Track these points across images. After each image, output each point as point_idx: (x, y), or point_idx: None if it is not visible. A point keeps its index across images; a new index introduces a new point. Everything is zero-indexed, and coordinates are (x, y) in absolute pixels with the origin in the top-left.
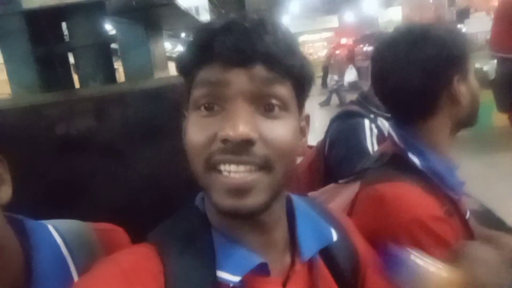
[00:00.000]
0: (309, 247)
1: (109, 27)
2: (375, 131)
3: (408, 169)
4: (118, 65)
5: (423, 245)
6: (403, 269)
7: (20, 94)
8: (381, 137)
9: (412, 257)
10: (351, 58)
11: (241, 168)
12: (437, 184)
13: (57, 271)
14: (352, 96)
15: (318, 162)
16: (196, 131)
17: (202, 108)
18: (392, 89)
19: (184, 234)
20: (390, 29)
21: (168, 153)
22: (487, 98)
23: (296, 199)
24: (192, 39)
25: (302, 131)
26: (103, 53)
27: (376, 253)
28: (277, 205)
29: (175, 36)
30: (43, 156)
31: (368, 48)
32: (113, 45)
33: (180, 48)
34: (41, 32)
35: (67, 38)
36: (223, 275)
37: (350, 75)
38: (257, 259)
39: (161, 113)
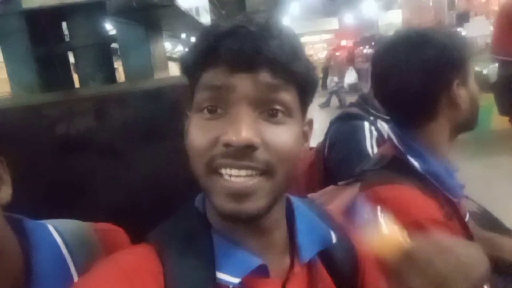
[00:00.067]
0: (308, 249)
1: (109, 27)
2: (374, 134)
3: (407, 171)
4: (118, 65)
5: None
6: (369, 224)
7: (20, 93)
8: (381, 140)
9: (379, 217)
10: (351, 60)
11: (243, 172)
12: (437, 186)
13: (57, 271)
14: (352, 98)
15: (317, 164)
16: (199, 133)
17: (205, 111)
18: (391, 92)
19: (184, 234)
20: (390, 32)
21: (168, 153)
22: (486, 101)
23: (296, 201)
24: (197, 40)
25: (305, 136)
26: (103, 53)
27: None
28: (277, 208)
29: (175, 37)
30: (43, 156)
31: (368, 50)
32: (114, 45)
33: (180, 49)
34: (41, 32)
35: (67, 38)
36: (222, 276)
37: (350, 77)
38: (256, 261)
39: (161, 113)
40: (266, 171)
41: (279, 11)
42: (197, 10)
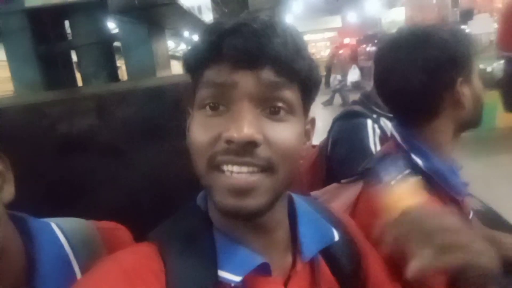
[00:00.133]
0: (310, 247)
1: (112, 26)
2: (377, 131)
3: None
4: (121, 63)
5: None
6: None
7: (23, 92)
8: (384, 137)
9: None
10: (354, 58)
11: (244, 169)
12: (440, 185)
13: (60, 269)
14: (355, 96)
15: (320, 162)
16: (201, 130)
17: (207, 107)
18: (393, 90)
19: (185, 233)
20: (393, 30)
21: (169, 152)
22: (491, 99)
23: (298, 199)
24: (200, 38)
25: (307, 134)
26: (105, 51)
27: (378, 253)
28: (278, 206)
29: (178, 35)
30: (45, 155)
31: (371, 48)
32: (117, 44)
33: (183, 47)
34: (44, 31)
35: (69, 37)
36: (224, 274)
37: (353, 75)
38: (258, 259)
39: (163, 111)
40: (267, 168)
41: (282, 9)
42: (199, 8)
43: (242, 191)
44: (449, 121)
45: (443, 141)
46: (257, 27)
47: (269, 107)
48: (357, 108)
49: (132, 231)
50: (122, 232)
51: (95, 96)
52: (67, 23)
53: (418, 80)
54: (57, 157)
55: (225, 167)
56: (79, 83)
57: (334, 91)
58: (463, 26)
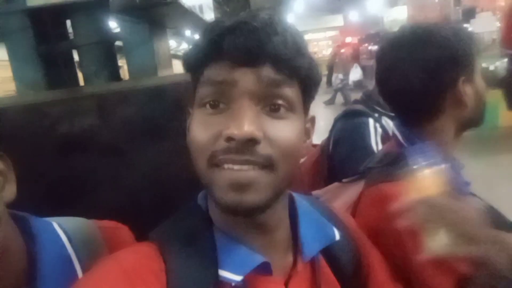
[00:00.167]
0: (311, 246)
1: (114, 25)
2: (379, 131)
3: None
4: (123, 63)
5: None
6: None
7: (24, 91)
8: (386, 137)
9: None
10: (356, 57)
11: (244, 167)
12: None
13: (61, 268)
14: (357, 95)
15: (322, 161)
16: (201, 128)
17: (208, 106)
18: (394, 89)
19: (186, 232)
20: (395, 29)
21: (170, 152)
22: (493, 97)
23: (299, 198)
24: (200, 36)
25: (307, 133)
26: (107, 51)
27: (379, 252)
28: (279, 205)
29: (180, 34)
30: (46, 154)
31: (373, 47)
32: (119, 43)
33: (185, 46)
34: (46, 30)
35: (71, 36)
36: (225, 274)
37: (355, 74)
38: (259, 258)
39: (164, 111)
40: (267, 165)
41: (283, 8)
42: (200, 7)
43: (242, 186)
44: (451, 120)
45: (445, 140)
46: (257, 25)
47: (269, 105)
48: (359, 107)
49: (132, 231)
50: (123, 231)
51: (95, 95)
52: (68, 22)
53: (419, 79)
54: (58, 156)
55: (225, 166)
56: (81, 82)
57: (336, 90)
58: (465, 25)
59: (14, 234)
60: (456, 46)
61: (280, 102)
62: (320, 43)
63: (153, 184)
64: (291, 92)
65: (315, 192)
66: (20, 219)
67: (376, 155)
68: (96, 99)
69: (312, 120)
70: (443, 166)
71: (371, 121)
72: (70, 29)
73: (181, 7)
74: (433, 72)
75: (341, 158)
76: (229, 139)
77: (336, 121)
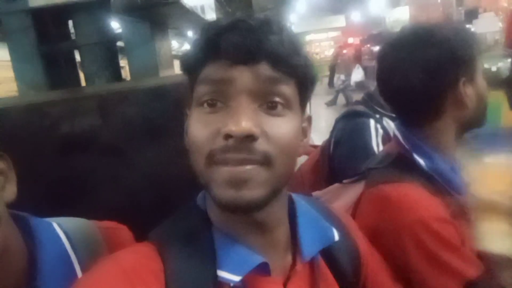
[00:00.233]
0: (310, 247)
1: (115, 26)
2: (380, 131)
3: (413, 170)
4: (125, 63)
5: (428, 246)
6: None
7: (26, 91)
8: (387, 137)
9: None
10: (358, 58)
11: (243, 166)
12: (442, 185)
13: (61, 268)
14: (358, 96)
15: (322, 162)
16: (199, 127)
17: (205, 105)
18: (395, 90)
19: (185, 233)
20: (397, 29)
21: (171, 152)
22: (496, 98)
23: (298, 199)
24: (198, 36)
25: (304, 132)
26: (108, 51)
27: (378, 253)
28: (277, 203)
29: (182, 35)
30: (47, 155)
31: (375, 48)
32: (121, 44)
33: (187, 47)
34: (48, 30)
35: (73, 36)
36: (223, 274)
37: (357, 74)
38: (258, 259)
39: (165, 111)
40: (264, 162)
41: (285, 8)
42: (202, 8)
43: (240, 183)
44: (451, 121)
45: (445, 141)
46: (254, 24)
47: (267, 102)
48: (360, 108)
49: (132, 231)
50: (123, 232)
51: (96, 95)
52: (70, 22)
53: (419, 79)
54: (58, 156)
55: (224, 165)
56: (83, 83)
57: (338, 91)
58: (468, 25)
59: (14, 234)
60: (457, 47)
61: (277, 99)
62: (322, 43)
63: (154, 184)
64: (288, 89)
65: (316, 193)
66: (20, 219)
67: (376, 156)
68: (97, 99)
69: (309, 119)
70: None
71: (372, 122)
72: (72, 29)
73: (182, 7)
74: (434, 72)
75: (341, 158)
76: (227, 136)
77: (337, 122)
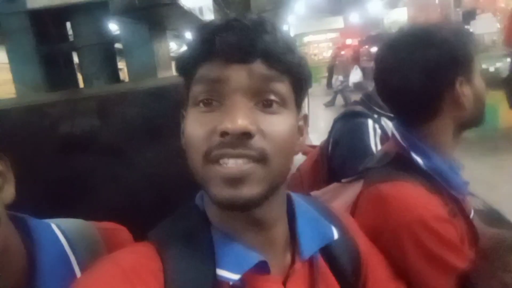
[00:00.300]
0: (309, 245)
1: (114, 27)
2: (378, 131)
3: (411, 169)
4: (123, 65)
5: (426, 245)
6: None
7: (24, 93)
8: (385, 137)
9: None
10: (356, 59)
11: (239, 161)
12: (441, 184)
13: (60, 269)
14: (357, 97)
15: (321, 162)
16: (195, 126)
17: (201, 104)
18: (393, 90)
19: (183, 232)
20: (395, 30)
21: (170, 153)
22: (493, 98)
23: (297, 198)
24: (193, 37)
25: (300, 131)
26: (107, 52)
27: (378, 251)
28: (275, 202)
29: (180, 36)
30: (46, 155)
31: (373, 49)
32: (119, 46)
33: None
34: (46, 32)
35: (71, 38)
36: (222, 273)
37: (355, 75)
38: (257, 257)
39: (163, 112)
40: (261, 159)
41: (284, 10)
42: (200, 9)
43: (236, 180)
44: (449, 121)
45: (443, 140)
46: (248, 23)
47: (262, 101)
48: (358, 108)
49: (132, 231)
50: (122, 232)
51: (95, 97)
52: (68, 24)
53: (417, 79)
54: (58, 158)
55: (221, 161)
56: (81, 84)
57: (336, 92)
58: (466, 26)
59: (13, 235)
60: (454, 47)
61: (272, 97)
62: (320, 45)
63: (153, 185)
64: (283, 87)
65: (314, 193)
66: (19, 220)
67: (375, 156)
68: (96, 100)
69: (305, 118)
70: None
71: (370, 122)
72: (70, 31)
73: (180, 8)
74: (431, 72)
75: (340, 158)
76: (223, 133)
77: (335, 122)
